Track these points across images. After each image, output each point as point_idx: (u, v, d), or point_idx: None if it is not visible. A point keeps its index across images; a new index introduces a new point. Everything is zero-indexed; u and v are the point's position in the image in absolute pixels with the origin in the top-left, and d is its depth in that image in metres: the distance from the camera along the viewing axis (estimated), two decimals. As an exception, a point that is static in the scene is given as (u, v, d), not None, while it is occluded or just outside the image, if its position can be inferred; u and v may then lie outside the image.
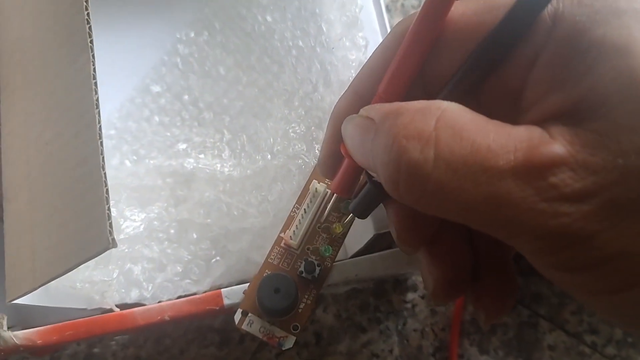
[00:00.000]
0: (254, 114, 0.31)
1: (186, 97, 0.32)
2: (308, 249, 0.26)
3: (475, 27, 0.18)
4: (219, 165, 0.30)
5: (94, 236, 0.22)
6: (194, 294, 0.28)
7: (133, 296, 0.28)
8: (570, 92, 0.15)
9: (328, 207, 0.26)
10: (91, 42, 0.25)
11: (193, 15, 0.34)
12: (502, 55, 0.17)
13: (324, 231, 0.26)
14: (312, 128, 0.30)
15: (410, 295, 0.34)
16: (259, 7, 0.33)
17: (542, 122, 0.16)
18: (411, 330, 0.33)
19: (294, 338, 0.24)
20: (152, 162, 0.30)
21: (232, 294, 0.26)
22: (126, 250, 0.28)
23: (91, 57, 0.24)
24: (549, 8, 0.16)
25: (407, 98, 0.18)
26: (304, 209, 0.26)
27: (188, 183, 0.30)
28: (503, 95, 0.18)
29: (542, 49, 0.16)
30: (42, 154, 0.26)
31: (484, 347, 0.33)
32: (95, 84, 0.24)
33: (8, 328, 0.25)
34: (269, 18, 0.33)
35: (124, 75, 0.33)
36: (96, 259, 0.22)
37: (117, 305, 0.27)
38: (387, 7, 0.36)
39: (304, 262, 0.25)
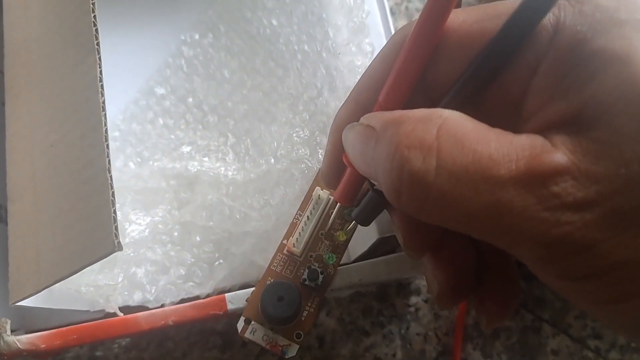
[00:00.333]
0: (258, 118, 0.31)
1: (190, 99, 0.32)
2: (311, 256, 0.26)
3: (477, 35, 0.18)
4: (222, 169, 0.30)
5: (99, 239, 0.22)
6: (197, 296, 0.28)
7: (136, 299, 0.28)
8: (572, 101, 0.15)
9: (332, 214, 0.26)
10: (98, 44, 0.25)
11: (197, 18, 0.34)
12: (503, 63, 0.17)
13: (327, 238, 0.26)
14: (316, 133, 0.30)
15: (413, 299, 0.34)
16: (264, 10, 0.33)
17: (544, 130, 0.16)
18: (414, 334, 0.33)
19: (297, 346, 0.24)
20: (156, 164, 0.30)
21: (236, 299, 0.26)
22: (131, 254, 0.28)
23: (97, 60, 0.24)
24: (550, 17, 0.16)
25: (410, 104, 0.18)
26: (307, 216, 0.26)
27: (191, 186, 0.30)
28: (504, 103, 0.18)
29: (543, 58, 0.16)
30: (47, 156, 0.26)
31: (487, 351, 0.33)
32: (102, 86, 0.24)
33: (11, 332, 0.25)
34: (274, 22, 0.33)
35: (128, 77, 0.33)
36: (101, 262, 0.22)
37: (120, 308, 0.27)
38: (391, 9, 0.36)
39: (307, 270, 0.25)
